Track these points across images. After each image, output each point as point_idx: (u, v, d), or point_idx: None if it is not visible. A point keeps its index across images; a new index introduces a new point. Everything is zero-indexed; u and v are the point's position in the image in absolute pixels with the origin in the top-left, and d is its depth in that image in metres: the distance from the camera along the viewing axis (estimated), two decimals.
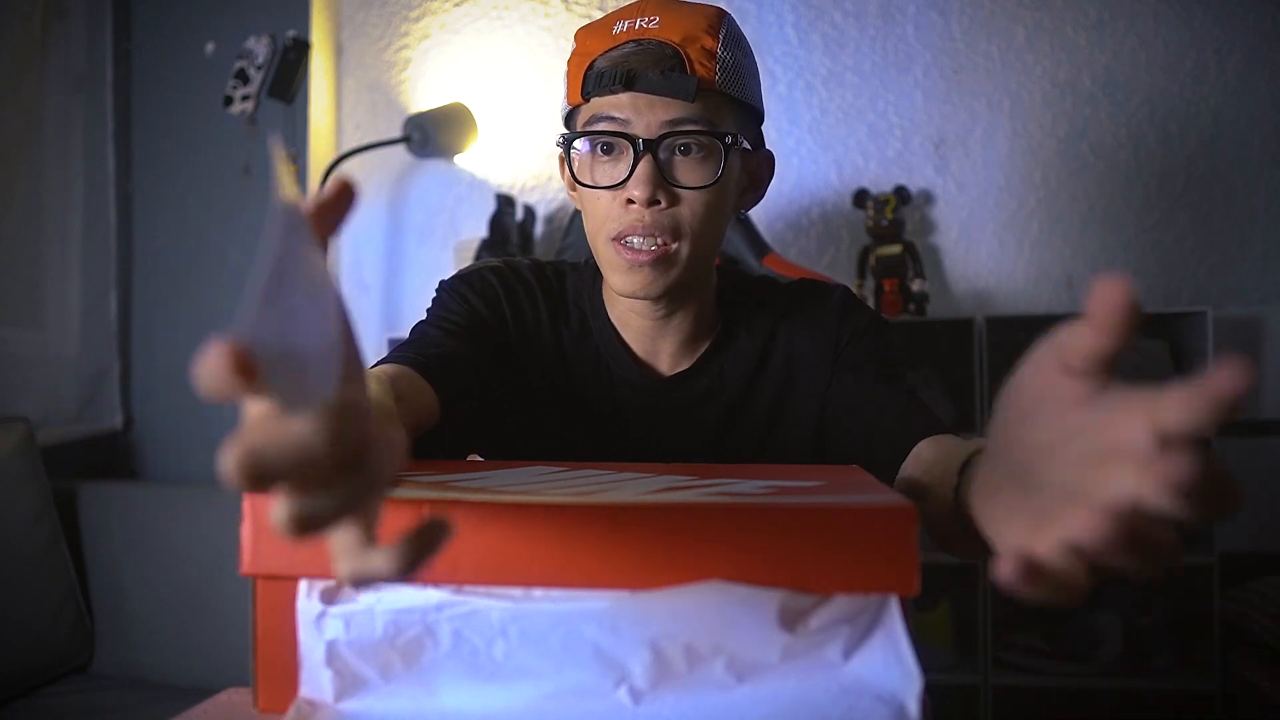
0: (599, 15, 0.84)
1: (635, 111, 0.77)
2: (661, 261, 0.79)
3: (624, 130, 0.77)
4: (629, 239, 0.79)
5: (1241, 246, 1.87)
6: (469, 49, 2.17)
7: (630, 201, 0.78)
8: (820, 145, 2.01)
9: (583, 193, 0.82)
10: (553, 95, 2.12)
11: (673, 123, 0.77)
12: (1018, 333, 1.85)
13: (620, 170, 0.78)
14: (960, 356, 1.76)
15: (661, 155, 0.77)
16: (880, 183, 1.97)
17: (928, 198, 1.97)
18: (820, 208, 2.01)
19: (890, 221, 1.90)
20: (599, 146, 0.79)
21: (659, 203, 0.77)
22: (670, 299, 0.83)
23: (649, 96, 0.76)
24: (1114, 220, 1.92)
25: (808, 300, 0.90)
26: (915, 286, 1.86)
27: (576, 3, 2.13)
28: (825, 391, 0.87)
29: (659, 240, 0.78)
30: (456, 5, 2.19)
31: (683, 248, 0.79)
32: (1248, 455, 1.79)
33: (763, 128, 0.87)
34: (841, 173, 2.00)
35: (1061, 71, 1.94)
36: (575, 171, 0.81)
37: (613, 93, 0.77)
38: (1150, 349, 1.72)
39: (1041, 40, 1.95)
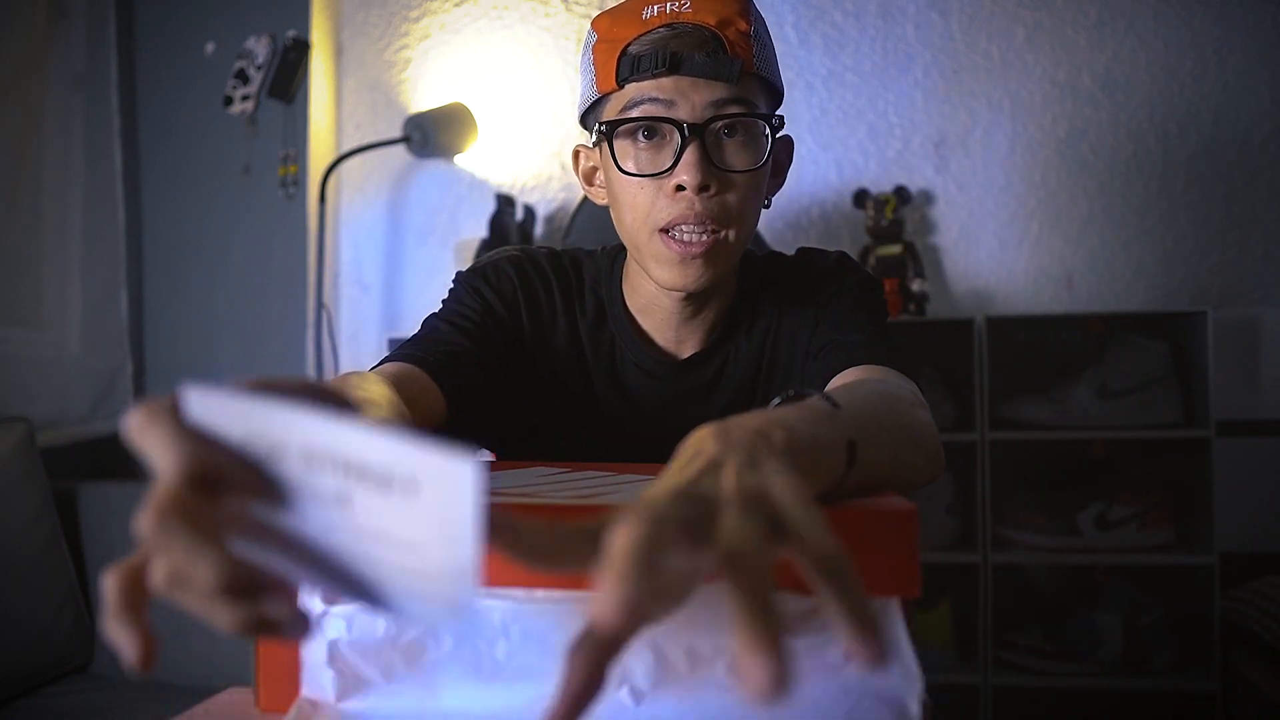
0: (598, 15, 0.83)
1: (680, 94, 0.75)
2: (712, 252, 0.77)
3: (669, 114, 0.75)
4: (679, 228, 0.76)
5: (1241, 246, 1.87)
6: (469, 49, 2.17)
7: (679, 189, 0.75)
8: (820, 145, 2.01)
9: (619, 184, 0.79)
10: (553, 95, 2.12)
11: (717, 104, 0.75)
12: (1018, 333, 1.86)
13: (665, 157, 0.76)
14: (960, 356, 1.76)
15: (707, 140, 0.76)
16: (880, 183, 1.97)
17: (928, 198, 1.97)
18: (820, 208, 2.01)
19: (890, 221, 1.90)
20: (641, 132, 0.77)
21: (709, 189, 0.75)
22: (706, 292, 0.82)
23: (693, 79, 0.74)
24: (1114, 220, 1.92)
25: (804, 271, 0.90)
26: (915, 286, 1.86)
27: (576, 3, 2.13)
28: (807, 350, 0.86)
29: (709, 227, 0.76)
30: (456, 5, 2.19)
31: (730, 235, 0.78)
32: (1248, 455, 1.79)
33: None
34: (841, 173, 2.00)
35: (1061, 71, 1.94)
36: (618, 159, 0.78)
37: (655, 76, 0.75)
38: (1150, 349, 1.72)
39: (1041, 40, 1.95)
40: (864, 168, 2.00)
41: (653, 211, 0.77)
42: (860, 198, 1.94)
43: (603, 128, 0.78)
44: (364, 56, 2.24)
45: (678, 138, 0.75)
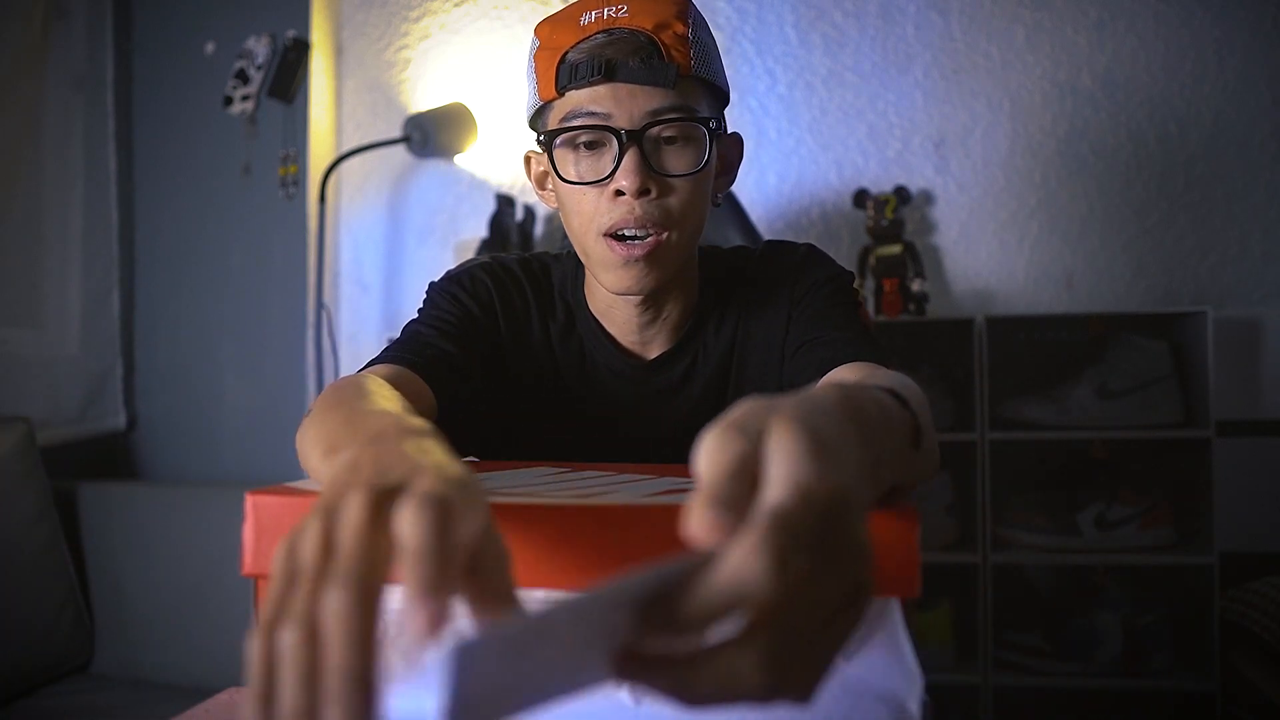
0: (540, 21, 0.84)
1: (616, 102, 0.76)
2: (654, 254, 0.78)
3: (606, 123, 0.76)
4: (621, 231, 0.77)
5: (1241, 246, 1.87)
6: (469, 49, 2.17)
7: (619, 193, 0.77)
8: (820, 145, 2.01)
9: (565, 190, 0.80)
10: None
11: (654, 112, 0.76)
12: (1018, 333, 1.86)
13: (605, 164, 0.77)
14: (960, 356, 1.76)
15: (646, 145, 0.76)
16: (880, 183, 1.97)
17: (928, 198, 1.97)
18: (820, 208, 2.01)
19: (890, 221, 1.90)
20: (581, 141, 0.78)
21: (649, 192, 0.77)
22: (659, 294, 0.83)
23: (629, 86, 0.75)
24: (1114, 220, 1.92)
25: (772, 263, 0.90)
26: (915, 286, 1.86)
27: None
28: (783, 347, 0.86)
29: (650, 231, 0.77)
30: (456, 5, 2.19)
31: (673, 236, 0.79)
32: (1248, 455, 1.79)
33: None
34: (841, 173, 2.00)
35: (1061, 71, 1.94)
36: (558, 168, 0.80)
37: (591, 84, 0.76)
38: (1150, 349, 1.72)
39: (1041, 40, 1.94)
40: (864, 168, 1.99)
41: (596, 216, 0.78)
42: (860, 198, 1.94)
43: (543, 138, 0.80)
44: (364, 56, 2.23)
45: (616, 144, 0.76)
